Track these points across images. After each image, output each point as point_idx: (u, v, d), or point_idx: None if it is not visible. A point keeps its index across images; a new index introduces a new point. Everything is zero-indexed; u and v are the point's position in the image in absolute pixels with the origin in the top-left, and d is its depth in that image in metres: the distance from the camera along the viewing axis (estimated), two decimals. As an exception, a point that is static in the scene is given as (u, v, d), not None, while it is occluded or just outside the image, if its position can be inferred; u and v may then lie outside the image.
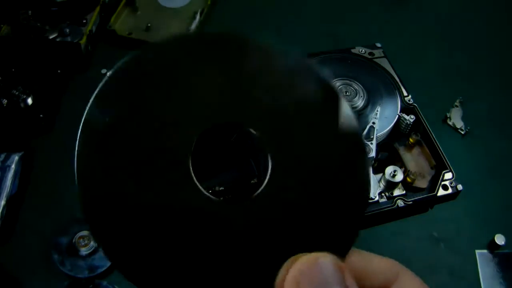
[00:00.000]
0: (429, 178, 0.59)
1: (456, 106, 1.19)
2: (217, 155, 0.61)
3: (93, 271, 0.91)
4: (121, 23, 1.33)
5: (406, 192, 0.58)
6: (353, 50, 0.70)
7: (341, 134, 0.30)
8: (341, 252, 0.31)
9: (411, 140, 0.61)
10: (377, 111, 0.61)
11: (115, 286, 0.90)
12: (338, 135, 0.30)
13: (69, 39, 1.22)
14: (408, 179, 0.58)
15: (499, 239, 0.97)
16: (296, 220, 0.28)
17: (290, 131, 0.31)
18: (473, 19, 1.43)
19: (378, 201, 0.56)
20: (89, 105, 0.36)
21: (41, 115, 1.11)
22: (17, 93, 1.12)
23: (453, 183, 0.58)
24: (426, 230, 1.00)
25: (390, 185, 0.57)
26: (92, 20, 1.28)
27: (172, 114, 0.31)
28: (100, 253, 0.92)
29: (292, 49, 0.40)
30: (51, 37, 1.22)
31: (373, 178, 0.57)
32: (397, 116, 0.63)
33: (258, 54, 0.36)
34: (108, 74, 0.39)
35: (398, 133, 0.63)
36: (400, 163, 0.60)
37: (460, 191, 0.58)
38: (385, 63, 0.69)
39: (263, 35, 1.33)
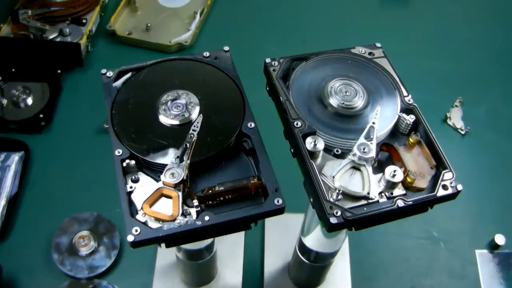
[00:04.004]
0: (429, 178, 0.59)
1: (456, 106, 1.19)
2: (217, 157, 0.61)
3: (93, 271, 0.91)
4: (121, 23, 1.33)
5: (406, 192, 0.58)
6: (353, 50, 0.70)
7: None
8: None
9: (411, 140, 0.61)
10: (377, 111, 0.61)
11: (115, 286, 0.90)
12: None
13: (69, 39, 1.23)
14: (408, 179, 0.57)
15: (499, 239, 0.97)
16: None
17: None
18: (473, 19, 1.43)
19: (378, 201, 0.56)
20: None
21: (41, 115, 1.11)
22: (17, 93, 1.13)
23: (453, 183, 0.57)
24: (426, 230, 1.00)
25: (390, 185, 0.57)
26: (92, 20, 1.28)
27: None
28: (100, 253, 0.93)
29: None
30: (51, 37, 1.22)
31: (373, 178, 0.57)
32: (397, 116, 0.63)
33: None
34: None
35: (398, 133, 0.63)
36: (400, 163, 0.59)
37: (460, 191, 0.57)
38: (385, 63, 0.69)
39: (263, 34, 1.33)
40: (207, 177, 0.60)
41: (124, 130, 0.61)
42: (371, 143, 0.58)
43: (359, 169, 0.58)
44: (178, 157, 0.57)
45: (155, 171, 0.59)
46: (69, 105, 1.16)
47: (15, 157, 1.03)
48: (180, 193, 0.55)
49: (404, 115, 0.62)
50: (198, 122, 0.60)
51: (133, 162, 0.58)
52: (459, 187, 0.57)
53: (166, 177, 0.55)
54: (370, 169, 0.57)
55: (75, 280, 0.90)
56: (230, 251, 0.95)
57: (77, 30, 1.25)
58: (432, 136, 0.60)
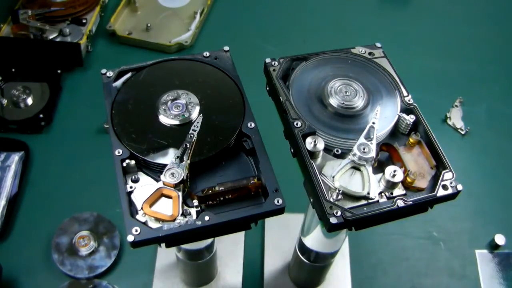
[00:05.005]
0: (429, 178, 0.59)
1: (456, 106, 1.19)
2: (217, 157, 0.61)
3: (93, 271, 0.91)
4: (121, 23, 1.33)
5: (406, 192, 0.58)
6: (353, 50, 0.70)
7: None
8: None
9: (411, 140, 0.61)
10: (377, 111, 0.61)
11: (115, 286, 0.90)
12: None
13: (69, 39, 1.23)
14: (408, 179, 0.57)
15: (499, 239, 0.97)
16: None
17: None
18: (473, 19, 1.43)
19: (378, 201, 0.56)
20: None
21: (41, 115, 1.11)
22: (17, 93, 1.13)
23: (453, 183, 0.57)
24: (426, 230, 1.00)
25: (390, 185, 0.57)
26: (92, 20, 1.28)
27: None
28: (100, 253, 0.92)
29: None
30: (51, 37, 1.22)
31: (373, 178, 0.57)
32: (397, 116, 0.63)
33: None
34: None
35: (398, 133, 0.63)
36: (400, 163, 0.59)
37: (460, 191, 0.57)
38: (385, 63, 0.69)
39: (263, 34, 1.33)
40: (207, 177, 0.60)
41: (124, 130, 0.61)
42: (371, 143, 0.58)
43: (359, 169, 0.58)
44: (178, 157, 0.57)
45: (155, 171, 0.59)
46: (69, 105, 1.16)
47: (15, 157, 1.03)
48: (180, 193, 0.55)
49: (404, 115, 0.62)
50: (198, 122, 0.60)
51: (133, 162, 0.58)
52: (459, 187, 0.57)
53: (166, 177, 0.55)
54: (370, 169, 0.57)
55: (75, 280, 0.90)
56: (230, 251, 0.95)
57: (77, 30, 1.25)
58: (432, 136, 0.60)
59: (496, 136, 1.16)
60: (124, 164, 0.58)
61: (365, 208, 0.55)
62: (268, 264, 0.94)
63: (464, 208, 1.03)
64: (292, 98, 0.63)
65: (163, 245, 0.56)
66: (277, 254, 0.95)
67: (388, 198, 0.57)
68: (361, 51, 0.70)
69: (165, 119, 0.62)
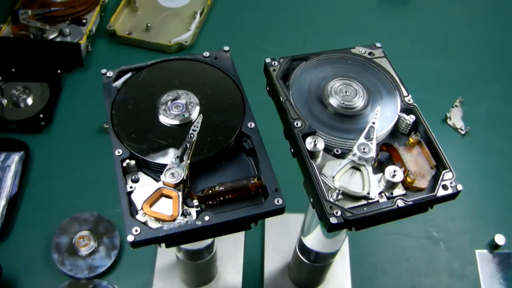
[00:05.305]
0: (429, 178, 0.59)
1: (456, 106, 1.19)
2: (217, 157, 0.61)
3: (93, 271, 0.91)
4: (121, 23, 1.33)
5: (406, 192, 0.58)
6: (353, 50, 0.70)
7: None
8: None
9: (411, 140, 0.61)
10: (377, 111, 0.61)
11: (115, 286, 0.90)
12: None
13: (69, 39, 1.23)
14: (408, 179, 0.57)
15: (499, 239, 0.97)
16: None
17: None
18: (473, 19, 1.43)
19: (378, 201, 0.56)
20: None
21: (41, 115, 1.11)
22: (17, 93, 1.13)
23: (453, 183, 0.58)
24: (426, 230, 1.00)
25: (390, 185, 0.57)
26: (92, 20, 1.28)
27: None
28: (100, 253, 0.92)
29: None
30: (51, 37, 1.22)
31: (373, 178, 0.57)
32: (397, 116, 0.63)
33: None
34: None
35: (398, 133, 0.63)
36: (400, 163, 0.59)
37: (460, 191, 0.57)
38: (385, 63, 0.69)
39: (263, 34, 1.33)
40: (207, 177, 0.60)
41: (124, 130, 0.61)
42: (371, 143, 0.58)
43: (359, 169, 0.58)
44: (178, 157, 0.57)
45: (155, 171, 0.59)
46: (69, 105, 1.16)
47: (15, 157, 1.03)
48: (180, 193, 0.55)
49: (404, 115, 0.62)
50: (198, 122, 0.60)
51: (133, 162, 0.58)
52: (459, 187, 0.57)
53: (166, 177, 0.55)
54: (370, 169, 0.57)
55: (75, 280, 0.90)
56: (230, 251, 0.95)
57: (77, 30, 1.25)
58: (432, 136, 0.60)
59: (496, 136, 1.16)
60: (124, 164, 0.58)
61: (365, 208, 0.55)
62: (268, 264, 0.94)
63: (464, 208, 1.03)
64: (292, 98, 0.63)
65: (163, 245, 0.56)
66: (277, 254, 0.95)
67: (388, 198, 0.57)
68: (361, 51, 0.70)
69: (165, 119, 0.62)
